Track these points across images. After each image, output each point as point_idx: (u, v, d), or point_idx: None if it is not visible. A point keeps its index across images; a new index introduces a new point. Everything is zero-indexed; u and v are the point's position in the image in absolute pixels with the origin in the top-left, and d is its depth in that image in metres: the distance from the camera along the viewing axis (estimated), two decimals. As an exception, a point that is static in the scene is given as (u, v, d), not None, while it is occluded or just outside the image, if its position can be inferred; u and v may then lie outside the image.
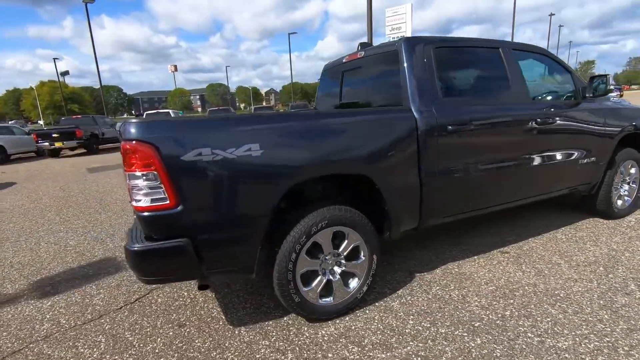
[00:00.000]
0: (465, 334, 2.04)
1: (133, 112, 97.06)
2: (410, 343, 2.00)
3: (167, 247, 1.78)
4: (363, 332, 2.12)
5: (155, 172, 1.71)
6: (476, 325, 2.13)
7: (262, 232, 1.96)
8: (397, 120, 2.29)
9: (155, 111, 19.18)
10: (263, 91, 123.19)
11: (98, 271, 3.19)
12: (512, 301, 2.35)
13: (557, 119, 2.94)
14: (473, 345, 1.95)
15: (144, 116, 17.39)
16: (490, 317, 2.20)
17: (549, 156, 2.96)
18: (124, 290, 2.81)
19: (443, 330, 2.09)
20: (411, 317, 2.24)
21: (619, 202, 3.63)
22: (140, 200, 1.75)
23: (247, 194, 1.90)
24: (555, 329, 2.05)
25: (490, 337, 2.00)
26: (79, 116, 17.68)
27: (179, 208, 1.76)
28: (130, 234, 1.99)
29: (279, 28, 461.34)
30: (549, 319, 2.14)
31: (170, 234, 1.79)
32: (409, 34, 25.11)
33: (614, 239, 3.24)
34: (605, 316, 2.14)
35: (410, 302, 2.41)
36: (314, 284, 2.18)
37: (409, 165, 2.34)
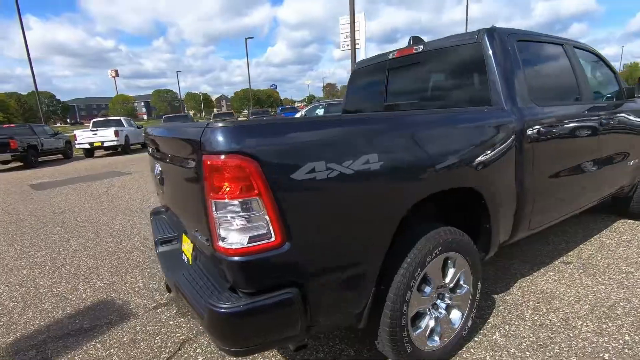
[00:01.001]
0: (606, 372, 1.73)
1: (68, 120, 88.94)
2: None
3: (275, 303, 1.26)
4: (487, 381, 1.72)
5: (259, 199, 1.19)
6: (606, 357, 1.83)
7: (379, 266, 1.51)
8: (499, 123, 1.96)
9: (104, 118, 17.38)
10: (214, 98, 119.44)
11: (96, 321, 2.47)
12: (620, 322, 2.10)
13: (615, 119, 2.81)
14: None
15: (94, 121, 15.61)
16: (613, 344, 1.91)
17: (611, 157, 2.82)
18: (144, 346, 2.16)
19: (577, 369, 1.76)
20: (527, 353, 1.89)
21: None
22: (229, 239, 1.22)
23: (366, 220, 1.43)
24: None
25: (637, 373, 1.71)
26: (12, 125, 15.44)
27: (286, 246, 1.25)
28: (184, 285, 1.46)
29: (226, 33, 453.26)
30: (678, 342, 1.90)
31: (274, 283, 1.27)
32: (363, 43, 25.56)
33: (661, 241, 3.18)
34: None
35: (512, 333, 2.07)
36: (422, 326, 1.75)
37: (509, 172, 2.02)
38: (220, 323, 1.25)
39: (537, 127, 2.14)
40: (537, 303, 2.35)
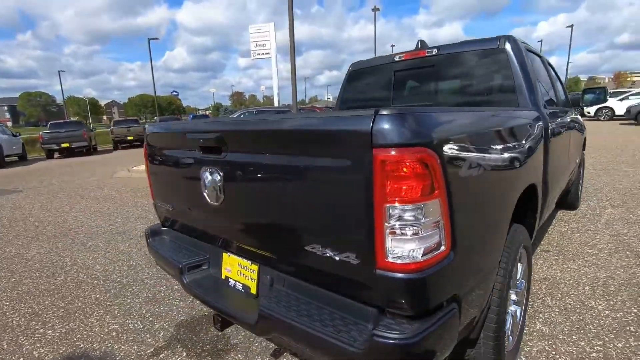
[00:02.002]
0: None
1: None
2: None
3: (446, 323, 1.07)
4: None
5: (439, 201, 1.01)
6: (632, 329, 2.07)
7: (497, 266, 1.44)
8: (537, 121, 2.09)
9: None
10: (103, 103, 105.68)
11: (77, 385, 1.85)
12: (620, 297, 2.40)
13: (569, 123, 3.29)
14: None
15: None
16: (630, 317, 2.18)
17: (570, 154, 3.27)
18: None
19: (620, 345, 1.95)
20: (574, 337, 2.03)
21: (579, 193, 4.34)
22: (400, 253, 1.00)
23: (499, 218, 1.36)
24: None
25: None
26: None
27: (451, 255, 1.09)
28: (294, 318, 1.17)
29: (115, 32, 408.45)
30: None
31: (441, 299, 1.09)
32: (273, 52, 25.68)
33: (597, 225, 3.80)
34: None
35: (549, 320, 2.20)
36: (506, 328, 1.73)
37: (542, 166, 2.17)
38: (392, 356, 1.01)
39: (552, 125, 2.35)
40: (549, 290, 2.55)
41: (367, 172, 0.98)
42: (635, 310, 2.25)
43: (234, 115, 12.68)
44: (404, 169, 0.95)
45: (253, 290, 1.53)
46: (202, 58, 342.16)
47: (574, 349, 1.93)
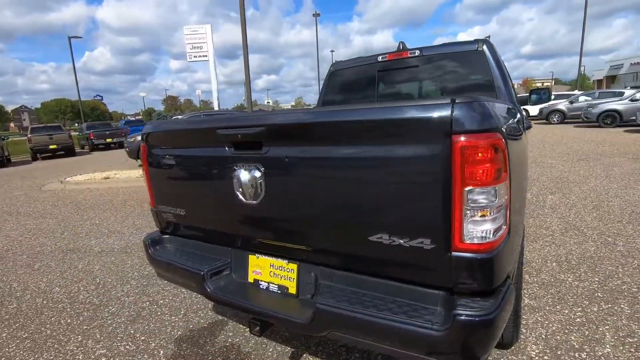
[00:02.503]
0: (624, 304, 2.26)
1: None
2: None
3: (509, 297, 1.16)
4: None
5: (506, 183, 1.10)
6: (599, 295, 2.38)
7: None
8: (522, 117, 2.31)
9: None
10: (9, 109, 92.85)
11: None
12: (583, 268, 2.76)
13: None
14: None
15: None
16: (595, 285, 2.51)
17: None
18: None
19: (595, 309, 2.24)
20: (557, 306, 2.28)
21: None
22: (474, 234, 1.07)
23: (524, 196, 1.51)
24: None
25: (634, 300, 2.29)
26: None
27: (508, 235, 1.18)
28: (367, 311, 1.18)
29: (22, 30, 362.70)
30: None
31: (502, 276, 1.17)
32: (211, 55, 24.88)
33: (544, 210, 4.30)
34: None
35: (533, 295, 2.44)
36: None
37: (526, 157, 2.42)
38: (477, 331, 1.06)
39: (525, 120, 2.62)
40: (525, 268, 2.83)
41: (445, 158, 1.02)
42: (597, 279, 2.59)
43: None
44: (480, 154, 1.01)
45: (292, 290, 1.48)
46: (129, 60, 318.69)
47: (561, 317, 2.18)
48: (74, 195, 7.25)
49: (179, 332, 2.28)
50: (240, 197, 1.46)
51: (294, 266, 1.49)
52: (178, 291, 2.82)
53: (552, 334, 2.01)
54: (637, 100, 13.98)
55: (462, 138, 1.00)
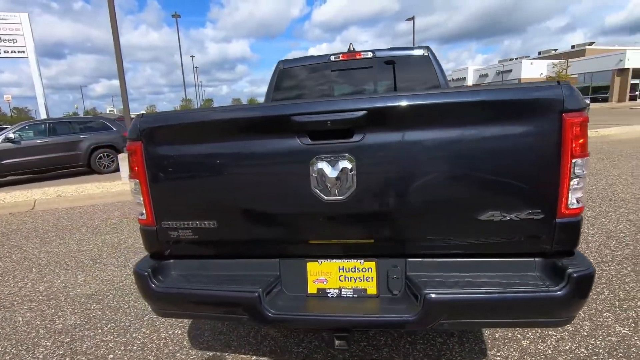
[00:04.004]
0: None
1: None
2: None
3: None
4: None
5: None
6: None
7: None
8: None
9: None
10: None
11: None
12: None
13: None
14: None
15: None
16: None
17: None
18: None
19: None
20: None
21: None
22: (573, 201, 1.27)
23: None
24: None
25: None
26: None
27: None
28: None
29: None
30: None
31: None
32: (31, 50, 19.97)
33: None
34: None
35: None
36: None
37: None
38: (587, 284, 1.22)
39: None
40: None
41: (557, 134, 1.16)
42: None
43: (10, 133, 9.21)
44: (580, 129, 1.18)
45: (372, 291, 1.39)
46: None
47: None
48: None
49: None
50: (320, 194, 1.28)
51: (371, 264, 1.40)
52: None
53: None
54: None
55: (571, 115, 1.15)
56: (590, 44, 46.71)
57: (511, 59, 47.92)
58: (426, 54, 2.95)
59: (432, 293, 1.25)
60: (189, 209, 1.46)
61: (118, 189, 6.92)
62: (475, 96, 1.20)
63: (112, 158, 10.08)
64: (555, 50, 50.27)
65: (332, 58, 3.08)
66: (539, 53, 52.65)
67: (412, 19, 29.40)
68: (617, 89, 34.67)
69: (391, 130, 1.26)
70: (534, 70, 39.65)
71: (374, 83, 3.13)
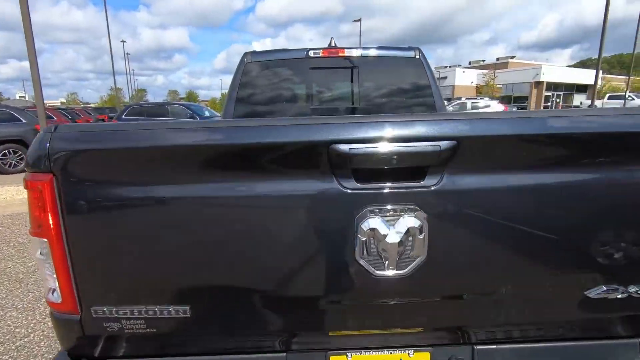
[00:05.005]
0: None
1: None
2: None
3: None
4: None
5: None
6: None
7: None
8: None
9: None
10: None
11: None
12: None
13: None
14: None
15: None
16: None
17: None
18: None
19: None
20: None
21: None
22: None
23: None
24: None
25: None
26: None
27: None
28: None
29: None
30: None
31: None
32: None
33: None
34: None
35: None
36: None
37: None
38: None
39: None
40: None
41: None
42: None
43: None
44: None
45: None
46: None
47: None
48: None
49: None
50: (368, 267, 0.81)
51: (425, 355, 0.96)
52: None
53: None
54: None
55: None
56: (512, 57, 51.78)
57: (445, 67, 51.11)
58: (417, 56, 2.61)
59: None
60: (142, 286, 0.89)
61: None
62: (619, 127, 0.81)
63: (20, 155, 8.49)
64: (484, 61, 54.82)
65: (311, 53, 2.61)
66: (470, 63, 57.01)
67: (359, 20, 29.69)
68: (534, 99, 38.71)
69: (487, 170, 0.84)
70: (466, 79, 42.66)
71: (359, 85, 2.73)
